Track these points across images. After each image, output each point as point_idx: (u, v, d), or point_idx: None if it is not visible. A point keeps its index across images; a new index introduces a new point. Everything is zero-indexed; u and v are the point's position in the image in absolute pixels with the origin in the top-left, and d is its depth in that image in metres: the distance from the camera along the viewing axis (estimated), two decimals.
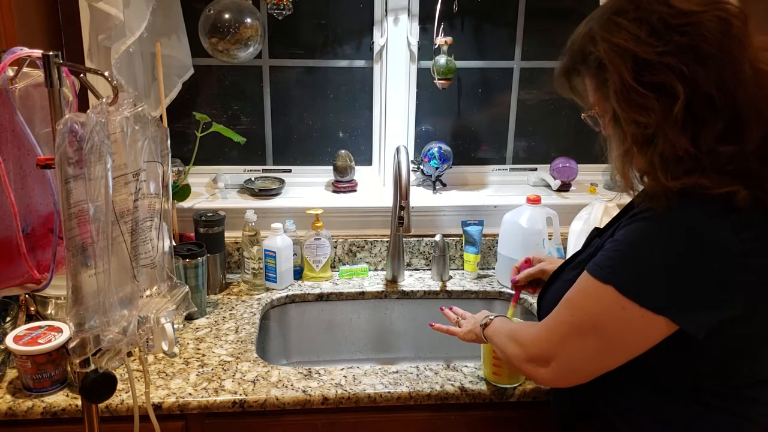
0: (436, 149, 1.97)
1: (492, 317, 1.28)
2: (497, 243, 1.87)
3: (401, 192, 1.63)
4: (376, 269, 1.95)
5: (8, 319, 1.44)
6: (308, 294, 1.80)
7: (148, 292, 1.03)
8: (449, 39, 1.87)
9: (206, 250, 1.65)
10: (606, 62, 0.96)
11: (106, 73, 0.97)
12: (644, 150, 0.95)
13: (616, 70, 0.94)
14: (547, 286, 1.20)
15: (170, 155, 1.04)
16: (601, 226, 1.23)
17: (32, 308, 1.51)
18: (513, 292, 1.46)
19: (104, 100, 0.92)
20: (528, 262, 1.43)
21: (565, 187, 2.04)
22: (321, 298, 1.81)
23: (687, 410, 1.01)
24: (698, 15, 0.92)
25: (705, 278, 0.91)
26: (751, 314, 0.95)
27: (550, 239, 1.79)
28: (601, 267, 0.98)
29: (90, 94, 0.98)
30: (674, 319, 0.93)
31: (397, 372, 1.42)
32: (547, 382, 1.07)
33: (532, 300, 1.75)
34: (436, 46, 1.89)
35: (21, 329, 1.33)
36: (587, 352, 1.00)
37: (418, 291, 1.84)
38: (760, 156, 0.93)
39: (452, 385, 1.38)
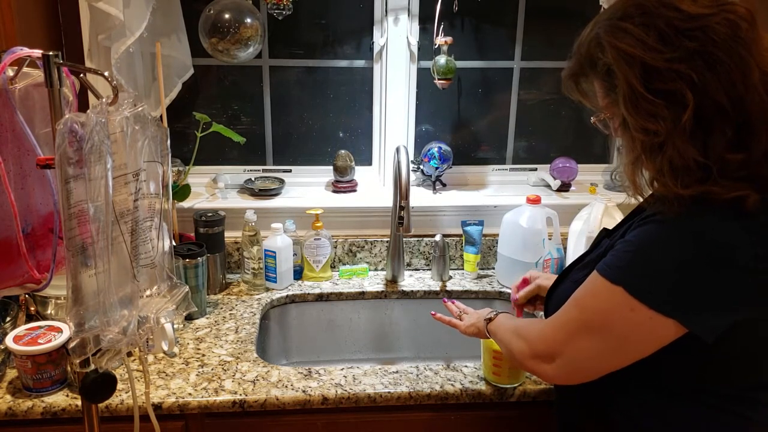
0: (436, 149, 1.97)
1: (496, 312, 1.27)
2: (497, 243, 1.87)
3: (401, 192, 1.63)
4: (376, 269, 1.95)
5: (8, 319, 1.44)
6: (308, 294, 1.80)
7: (148, 292, 1.03)
8: (449, 39, 1.87)
9: (206, 250, 1.65)
10: (614, 69, 0.94)
11: (106, 73, 0.97)
12: (653, 158, 0.94)
13: (625, 77, 0.93)
14: (555, 286, 1.19)
15: (170, 155, 1.04)
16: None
17: (32, 308, 1.51)
18: (512, 292, 1.46)
19: (104, 100, 0.92)
20: (525, 282, 1.42)
21: (565, 187, 2.04)
22: (321, 298, 1.81)
23: (691, 412, 1.01)
24: (707, 18, 0.90)
25: (715, 282, 0.91)
26: (760, 318, 0.94)
27: (550, 239, 1.79)
28: (611, 267, 0.97)
29: (90, 94, 0.98)
30: (683, 322, 0.92)
31: (397, 372, 1.42)
32: (550, 378, 1.07)
33: None
34: (436, 46, 1.89)
35: (21, 329, 1.33)
36: (593, 352, 0.99)
37: (418, 291, 1.84)
38: None
39: (452, 385, 1.38)
